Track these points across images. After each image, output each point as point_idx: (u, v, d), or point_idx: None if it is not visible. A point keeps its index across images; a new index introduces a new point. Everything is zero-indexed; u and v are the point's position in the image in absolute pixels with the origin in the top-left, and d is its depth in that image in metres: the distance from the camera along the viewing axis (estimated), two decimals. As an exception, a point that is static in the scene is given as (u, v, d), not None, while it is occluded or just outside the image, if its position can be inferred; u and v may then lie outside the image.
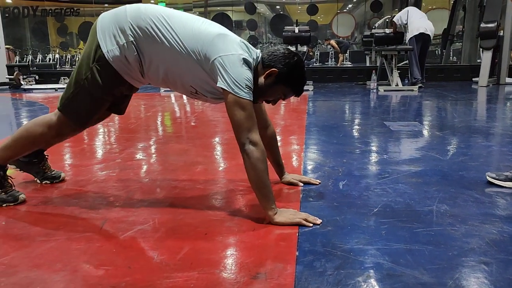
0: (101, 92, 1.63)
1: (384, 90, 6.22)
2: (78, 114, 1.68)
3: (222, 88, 1.48)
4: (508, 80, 6.85)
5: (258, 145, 1.48)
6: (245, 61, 1.49)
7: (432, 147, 2.72)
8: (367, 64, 9.36)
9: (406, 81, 6.64)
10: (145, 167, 2.35)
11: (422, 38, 6.29)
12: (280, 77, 1.57)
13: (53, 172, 2.01)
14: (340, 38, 14.02)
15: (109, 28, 1.57)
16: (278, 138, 2.91)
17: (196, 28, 1.54)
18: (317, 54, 15.22)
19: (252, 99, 1.50)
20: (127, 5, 1.62)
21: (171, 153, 2.68)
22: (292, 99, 5.73)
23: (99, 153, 2.73)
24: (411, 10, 6.44)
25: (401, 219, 1.50)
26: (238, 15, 17.50)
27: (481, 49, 6.94)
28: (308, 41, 6.99)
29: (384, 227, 1.43)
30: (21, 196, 1.74)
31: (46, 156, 2.00)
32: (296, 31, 6.80)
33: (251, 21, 17.37)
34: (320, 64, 14.65)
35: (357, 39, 16.89)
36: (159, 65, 1.59)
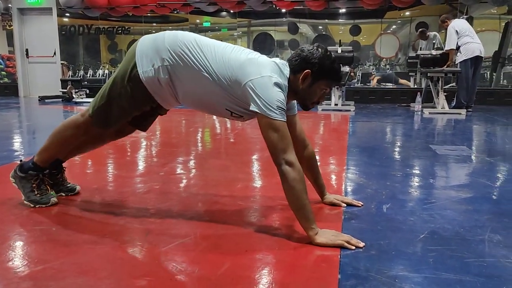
0: (129, 106, 1.73)
1: (429, 113, 6.04)
2: (106, 120, 1.78)
3: (255, 111, 1.51)
4: None
5: (294, 166, 1.48)
6: (276, 83, 1.51)
7: (482, 173, 2.59)
8: (412, 86, 9.13)
9: (453, 104, 6.41)
10: (186, 181, 2.39)
11: (476, 60, 6.06)
12: (315, 75, 1.59)
13: (68, 185, 2.05)
14: (387, 72, 13.58)
15: (147, 51, 1.65)
16: (319, 158, 2.88)
17: (226, 55, 1.60)
18: (359, 75, 15.07)
19: (285, 120, 1.51)
20: (167, 32, 1.71)
21: (212, 168, 2.71)
22: (333, 118, 5.69)
23: (142, 165, 2.81)
24: (461, 28, 6.07)
25: (450, 247, 1.43)
26: (281, 35, 17.67)
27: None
28: (351, 61, 6.93)
29: (431, 254, 1.37)
30: (52, 199, 1.86)
31: (64, 168, 2.05)
32: (339, 51, 6.78)
33: (293, 41, 17.51)
34: (362, 84, 14.48)
35: (401, 60, 16.58)
36: (194, 90, 1.65)
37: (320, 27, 18.25)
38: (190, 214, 1.79)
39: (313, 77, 1.59)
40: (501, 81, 9.86)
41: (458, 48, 6.12)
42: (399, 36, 17.26)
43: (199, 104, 1.73)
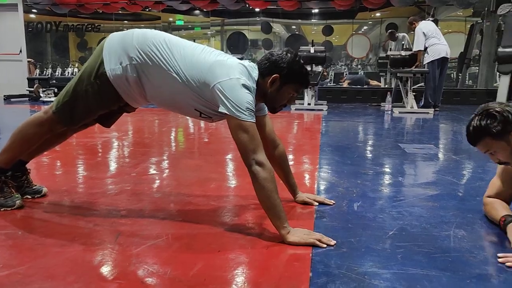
0: (96, 105, 1.71)
1: (399, 112, 6.20)
2: (71, 118, 1.74)
3: (224, 113, 1.51)
4: (525, 105, 6.76)
5: (264, 165, 1.49)
6: (244, 85, 1.52)
7: (448, 171, 2.68)
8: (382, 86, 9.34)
9: (421, 104, 6.59)
10: (158, 181, 2.36)
11: (442, 61, 6.26)
12: (284, 79, 1.61)
13: (34, 187, 1.99)
14: (358, 74, 13.84)
15: (115, 49, 1.63)
16: (292, 157, 2.91)
17: (195, 57, 1.60)
18: (331, 75, 15.29)
19: (254, 120, 1.52)
20: (136, 29, 1.69)
21: (185, 168, 2.69)
22: (306, 118, 5.75)
23: (114, 166, 2.76)
24: (428, 30, 6.25)
25: (418, 243, 1.47)
26: (254, 34, 17.70)
27: (498, 74, 6.87)
28: (323, 61, 7.03)
29: (400, 250, 1.41)
30: (17, 202, 1.80)
31: (28, 170, 1.99)
32: (312, 51, 6.85)
33: (266, 40, 17.58)
34: (335, 84, 14.71)
35: (372, 61, 16.91)
36: (162, 89, 1.64)
37: (293, 26, 18.41)
38: (162, 215, 1.77)
39: (281, 81, 1.61)
40: (467, 81, 10.23)
41: (425, 49, 6.30)
42: (370, 36, 17.61)
43: (168, 103, 1.72)
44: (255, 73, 1.62)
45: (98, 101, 1.69)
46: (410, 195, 2.11)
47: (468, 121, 1.55)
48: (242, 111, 1.50)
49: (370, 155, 3.21)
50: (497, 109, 1.47)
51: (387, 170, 2.72)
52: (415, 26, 6.43)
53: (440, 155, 3.24)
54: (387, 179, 2.47)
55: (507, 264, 1.29)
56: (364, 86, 10.18)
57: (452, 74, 10.84)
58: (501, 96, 6.54)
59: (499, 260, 1.33)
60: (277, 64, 1.60)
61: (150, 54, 1.59)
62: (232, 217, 1.79)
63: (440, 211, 1.85)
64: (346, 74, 15.21)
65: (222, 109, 1.52)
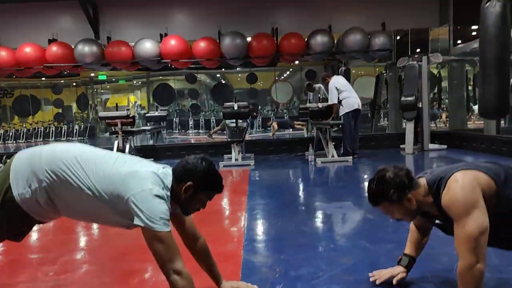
0: (7, 229, 1.66)
1: (322, 162, 6.55)
2: None
3: (138, 224, 1.55)
4: (431, 146, 7.51)
5: (182, 274, 1.55)
6: (157, 195, 1.57)
7: (362, 234, 2.89)
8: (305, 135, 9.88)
9: (341, 151, 7.03)
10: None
11: (355, 112, 6.80)
12: (198, 186, 1.67)
13: None
14: (284, 118, 14.60)
15: (22, 172, 1.61)
16: (213, 244, 2.94)
17: (107, 170, 1.62)
18: (259, 120, 15.84)
19: (169, 229, 1.57)
20: (44, 149, 1.68)
21: (107, 257, 2.61)
22: (235, 174, 5.84)
23: (28, 266, 2.60)
24: (340, 85, 6.83)
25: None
26: (180, 84, 17.90)
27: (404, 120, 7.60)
28: (247, 116, 7.30)
29: None
30: None
31: None
32: (235, 107, 7.09)
33: (192, 90, 17.84)
34: (263, 129, 15.22)
35: (296, 103, 17.80)
36: (76, 206, 1.65)
37: (218, 75, 18.94)
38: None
39: (195, 189, 1.67)
40: (383, 120, 11.15)
41: (340, 102, 6.83)
42: (292, 81, 18.62)
43: (84, 217, 1.73)
44: (168, 180, 1.66)
45: (8, 226, 1.64)
46: (328, 269, 2.24)
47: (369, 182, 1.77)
48: (156, 221, 1.54)
49: (294, 224, 3.25)
50: (391, 175, 1.70)
51: (309, 239, 2.83)
52: (328, 81, 6.98)
53: (356, 216, 3.48)
54: (308, 251, 2.59)
55: (377, 282, 1.46)
56: (289, 136, 10.67)
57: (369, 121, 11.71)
58: (409, 139, 7.23)
59: (371, 279, 1.48)
60: (191, 172, 1.67)
61: (61, 174, 1.59)
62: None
63: (356, 285, 1.99)
64: (273, 118, 15.86)
65: (136, 221, 1.55)
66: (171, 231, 1.59)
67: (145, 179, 1.61)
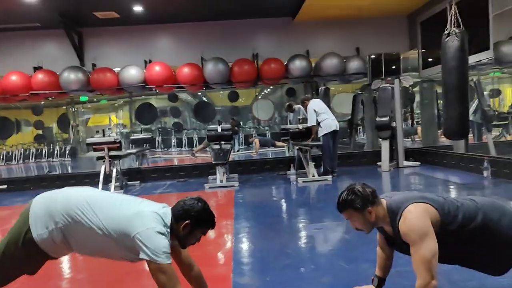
0: (25, 267, 1.93)
1: (303, 182, 6.87)
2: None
3: (144, 258, 1.82)
4: (405, 163, 7.93)
5: None
6: (159, 232, 1.85)
7: (340, 254, 3.19)
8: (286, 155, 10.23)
9: (321, 170, 7.36)
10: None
11: (333, 133, 7.18)
12: (194, 224, 1.96)
13: None
14: (265, 137, 15.04)
15: (40, 215, 1.88)
16: (204, 269, 3.17)
17: (115, 211, 1.91)
18: (241, 137, 16.16)
19: (170, 262, 1.85)
20: (59, 194, 1.96)
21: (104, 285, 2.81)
22: (220, 196, 6.06)
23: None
24: (318, 108, 7.22)
25: None
26: (162, 102, 18.06)
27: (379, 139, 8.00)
28: (230, 139, 7.59)
29: None
30: None
31: None
32: (219, 130, 7.38)
33: (174, 108, 18.04)
34: (246, 146, 15.53)
35: (278, 120, 18.17)
36: (87, 243, 1.92)
37: (200, 93, 19.21)
38: None
39: (192, 226, 1.96)
40: (358, 139, 11.59)
41: (319, 123, 7.21)
42: (273, 98, 19.01)
43: (95, 254, 1.99)
44: (168, 219, 1.95)
45: (28, 264, 1.90)
46: (309, 290, 2.52)
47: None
48: (160, 255, 1.82)
49: (279, 245, 3.51)
50: (359, 189, 2.04)
51: (292, 261, 3.09)
52: (306, 105, 7.36)
53: (335, 235, 3.78)
54: (291, 272, 2.86)
55: None
56: (271, 156, 11.00)
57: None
58: (384, 157, 7.64)
59: None
60: (188, 212, 1.95)
61: (75, 217, 1.87)
62: None
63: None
64: (255, 135, 16.20)
65: (142, 255, 1.83)
66: (171, 263, 1.86)
67: (148, 218, 1.88)
